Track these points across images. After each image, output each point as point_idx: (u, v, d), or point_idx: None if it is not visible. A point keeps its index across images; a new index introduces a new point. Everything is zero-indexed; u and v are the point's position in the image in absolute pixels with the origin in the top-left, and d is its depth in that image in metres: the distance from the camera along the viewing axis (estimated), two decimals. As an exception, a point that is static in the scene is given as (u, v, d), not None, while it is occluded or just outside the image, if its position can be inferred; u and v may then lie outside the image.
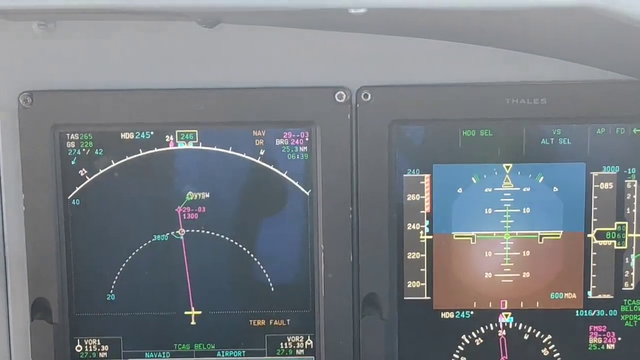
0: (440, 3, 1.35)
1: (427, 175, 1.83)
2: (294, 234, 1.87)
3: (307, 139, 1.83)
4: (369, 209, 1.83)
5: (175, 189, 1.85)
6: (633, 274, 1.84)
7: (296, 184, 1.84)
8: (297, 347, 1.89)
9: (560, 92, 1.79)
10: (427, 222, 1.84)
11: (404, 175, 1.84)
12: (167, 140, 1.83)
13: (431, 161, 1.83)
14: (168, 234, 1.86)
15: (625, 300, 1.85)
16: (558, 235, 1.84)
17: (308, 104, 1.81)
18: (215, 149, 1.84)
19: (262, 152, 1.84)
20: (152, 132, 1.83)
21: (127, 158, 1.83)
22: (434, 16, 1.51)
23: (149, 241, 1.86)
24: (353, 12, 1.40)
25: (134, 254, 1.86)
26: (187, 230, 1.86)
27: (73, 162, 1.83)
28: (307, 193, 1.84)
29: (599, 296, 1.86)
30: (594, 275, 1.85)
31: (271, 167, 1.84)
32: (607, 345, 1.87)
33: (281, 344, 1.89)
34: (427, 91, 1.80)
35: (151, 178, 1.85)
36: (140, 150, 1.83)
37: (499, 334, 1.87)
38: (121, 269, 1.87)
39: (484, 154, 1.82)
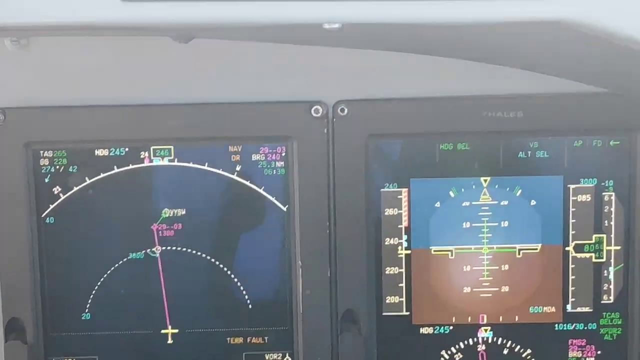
0: (413, 19, 1.35)
1: (404, 190, 1.83)
2: (272, 250, 1.85)
3: (283, 154, 1.82)
4: (346, 224, 1.81)
5: (151, 206, 1.83)
6: (612, 287, 1.84)
7: (273, 199, 1.83)
8: (276, 364, 1.88)
9: (536, 104, 1.79)
10: (405, 237, 1.83)
11: (382, 189, 1.83)
12: (142, 156, 1.81)
13: (409, 175, 1.82)
14: (144, 251, 1.84)
15: (604, 313, 1.85)
16: (536, 249, 1.83)
17: (284, 119, 1.80)
18: (191, 165, 1.82)
19: (238, 168, 1.82)
20: (127, 149, 1.81)
21: (102, 175, 1.82)
22: (410, 30, 1.50)
23: (125, 259, 1.84)
24: (327, 27, 1.39)
25: (109, 272, 1.84)
26: (163, 248, 1.84)
27: (47, 180, 1.81)
28: (284, 208, 1.83)
29: (578, 309, 1.85)
30: (573, 289, 1.84)
31: (248, 183, 1.83)
32: (587, 358, 1.86)
33: (259, 361, 1.88)
34: (404, 105, 1.79)
35: (126, 195, 1.83)
36: (115, 167, 1.81)
37: (479, 349, 1.86)
38: (96, 288, 1.85)
39: (461, 167, 1.82)
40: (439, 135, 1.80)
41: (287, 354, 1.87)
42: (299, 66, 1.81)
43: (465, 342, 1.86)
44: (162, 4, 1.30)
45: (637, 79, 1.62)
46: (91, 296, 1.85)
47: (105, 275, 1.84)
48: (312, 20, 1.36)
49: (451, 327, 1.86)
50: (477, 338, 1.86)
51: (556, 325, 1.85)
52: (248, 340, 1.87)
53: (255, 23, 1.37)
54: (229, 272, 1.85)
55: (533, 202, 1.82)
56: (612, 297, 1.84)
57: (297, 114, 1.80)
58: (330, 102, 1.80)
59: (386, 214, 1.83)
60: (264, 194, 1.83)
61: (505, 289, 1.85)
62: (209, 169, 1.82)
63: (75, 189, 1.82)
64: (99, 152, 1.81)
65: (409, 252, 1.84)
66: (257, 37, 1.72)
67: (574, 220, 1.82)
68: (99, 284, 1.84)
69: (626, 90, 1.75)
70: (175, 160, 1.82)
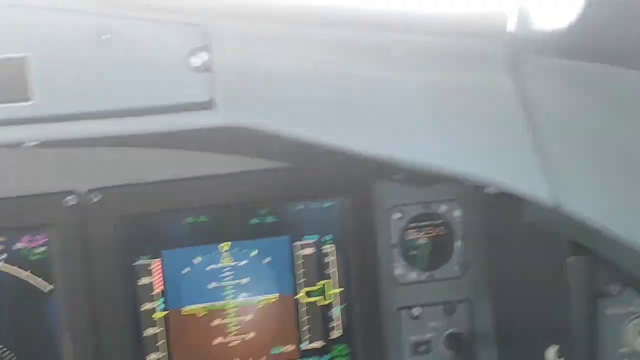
0: (107, 132, 1.55)
1: (157, 260, 2.03)
2: (39, 336, 1.92)
3: (44, 242, 1.94)
4: (106, 299, 1.97)
5: None
6: (339, 323, 2.12)
7: (36, 284, 1.94)
8: None
9: (261, 178, 2.04)
10: (161, 300, 2.03)
11: (135, 263, 2.02)
12: None
13: (160, 247, 2.03)
14: None
15: (333, 347, 2.13)
16: (274, 299, 2.10)
17: (40, 210, 1.93)
18: None
19: (4, 256, 1.93)
20: None
21: None
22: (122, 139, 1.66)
23: None
24: (29, 144, 1.55)
25: None
26: None
27: None
28: (49, 292, 1.95)
29: (311, 346, 2.13)
30: (306, 328, 2.11)
31: (11, 271, 1.92)
32: (322, 387, 2.14)
33: None
34: (153, 187, 1.98)
35: None
36: None
37: (234, 392, 2.09)
38: None
39: (204, 237, 2.04)
40: (185, 211, 2.02)
41: None
42: (47, 158, 1.93)
43: (223, 387, 2.07)
44: None
45: (317, 159, 1.89)
46: None
47: None
48: (5, 142, 1.53)
49: (208, 377, 2.07)
50: (231, 382, 2.09)
51: (295, 360, 2.12)
52: None
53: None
54: (-5, 362, 1.93)
55: (268, 260, 2.08)
56: (339, 332, 2.13)
57: (51, 204, 1.93)
58: (83, 190, 1.95)
59: (140, 283, 2.03)
60: (28, 280, 1.93)
61: (251, 335, 2.08)
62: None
63: None
64: None
65: (165, 313, 2.04)
66: None
67: (303, 270, 2.10)
68: None
69: (315, 165, 2.04)
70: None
